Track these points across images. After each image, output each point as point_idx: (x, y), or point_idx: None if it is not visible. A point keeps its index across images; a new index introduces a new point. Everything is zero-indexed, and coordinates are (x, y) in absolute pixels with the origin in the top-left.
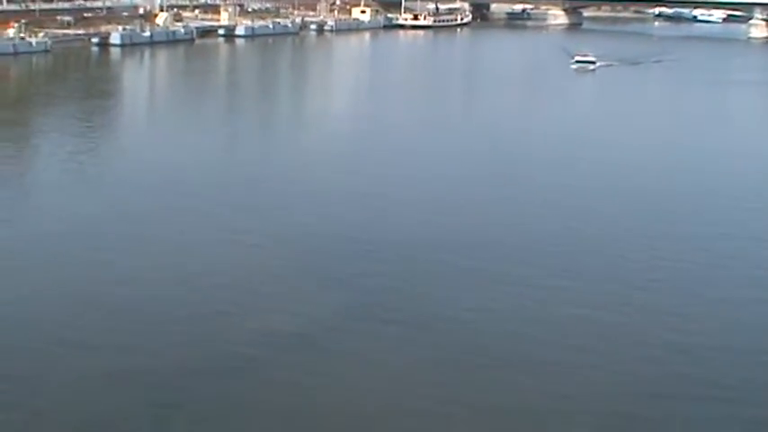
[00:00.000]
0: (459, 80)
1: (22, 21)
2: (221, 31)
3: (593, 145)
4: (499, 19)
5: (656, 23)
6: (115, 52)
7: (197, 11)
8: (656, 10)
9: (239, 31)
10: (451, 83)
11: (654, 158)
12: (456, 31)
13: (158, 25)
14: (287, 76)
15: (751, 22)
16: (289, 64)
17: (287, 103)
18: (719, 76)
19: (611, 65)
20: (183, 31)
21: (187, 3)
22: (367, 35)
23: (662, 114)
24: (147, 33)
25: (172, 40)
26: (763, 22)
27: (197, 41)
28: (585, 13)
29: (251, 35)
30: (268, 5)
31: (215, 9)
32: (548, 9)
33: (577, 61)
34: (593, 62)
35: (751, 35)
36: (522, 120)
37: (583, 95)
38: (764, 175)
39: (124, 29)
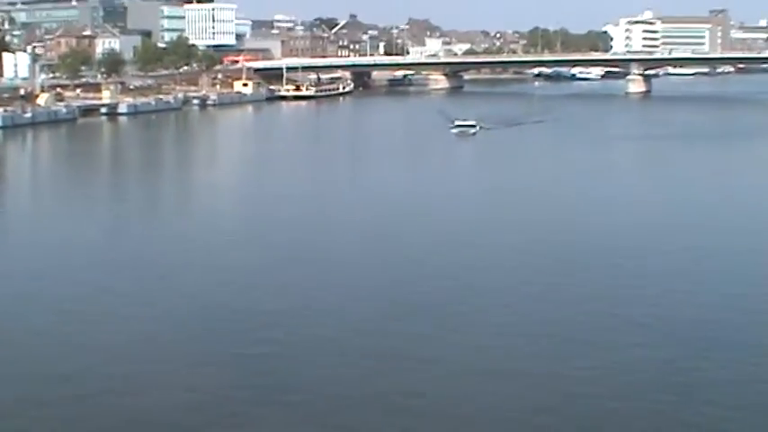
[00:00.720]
0: (339, 150)
1: None
2: (104, 110)
3: (469, 212)
4: (381, 86)
5: (537, 83)
6: None
7: (78, 90)
8: (536, 70)
9: (122, 108)
10: (332, 153)
11: (530, 219)
12: (339, 100)
13: (40, 106)
14: (170, 153)
15: (628, 77)
16: (172, 140)
17: (170, 179)
18: (600, 132)
19: (491, 128)
20: (65, 110)
21: (68, 82)
22: (250, 108)
23: (540, 175)
24: (29, 114)
25: (54, 120)
26: (640, 78)
27: (80, 121)
28: (466, 77)
29: (134, 112)
30: (150, 82)
31: (97, 87)
32: (428, 74)
33: (457, 126)
34: (473, 126)
35: (629, 90)
36: (397, 189)
37: (462, 161)
38: (642, 229)
39: (5, 110)
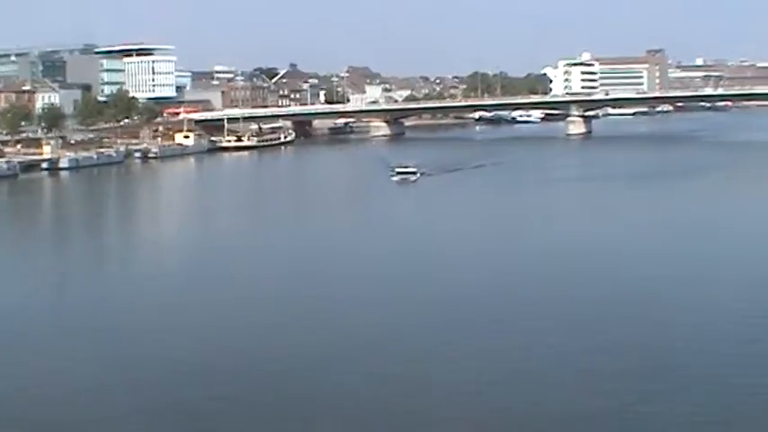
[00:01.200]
0: (280, 201)
1: None
2: (45, 165)
3: (408, 261)
4: (323, 135)
5: (477, 128)
6: None
7: (19, 146)
8: (477, 114)
9: (63, 163)
10: (274, 204)
11: (474, 264)
12: (280, 149)
13: None
14: (111, 208)
15: (568, 119)
16: (114, 195)
17: (111, 236)
18: (540, 175)
19: (431, 174)
20: (5, 166)
21: (8, 138)
22: (192, 160)
23: (478, 220)
24: None
25: None
26: (580, 119)
27: (21, 176)
28: (407, 123)
29: (76, 167)
30: (91, 136)
31: (37, 142)
32: (369, 121)
33: (398, 173)
34: (413, 173)
35: (569, 132)
36: (338, 240)
37: (403, 208)
38: (576, 270)
39: None
